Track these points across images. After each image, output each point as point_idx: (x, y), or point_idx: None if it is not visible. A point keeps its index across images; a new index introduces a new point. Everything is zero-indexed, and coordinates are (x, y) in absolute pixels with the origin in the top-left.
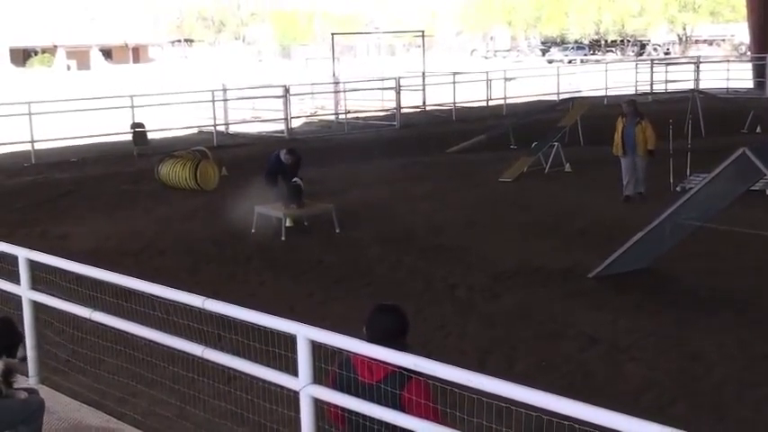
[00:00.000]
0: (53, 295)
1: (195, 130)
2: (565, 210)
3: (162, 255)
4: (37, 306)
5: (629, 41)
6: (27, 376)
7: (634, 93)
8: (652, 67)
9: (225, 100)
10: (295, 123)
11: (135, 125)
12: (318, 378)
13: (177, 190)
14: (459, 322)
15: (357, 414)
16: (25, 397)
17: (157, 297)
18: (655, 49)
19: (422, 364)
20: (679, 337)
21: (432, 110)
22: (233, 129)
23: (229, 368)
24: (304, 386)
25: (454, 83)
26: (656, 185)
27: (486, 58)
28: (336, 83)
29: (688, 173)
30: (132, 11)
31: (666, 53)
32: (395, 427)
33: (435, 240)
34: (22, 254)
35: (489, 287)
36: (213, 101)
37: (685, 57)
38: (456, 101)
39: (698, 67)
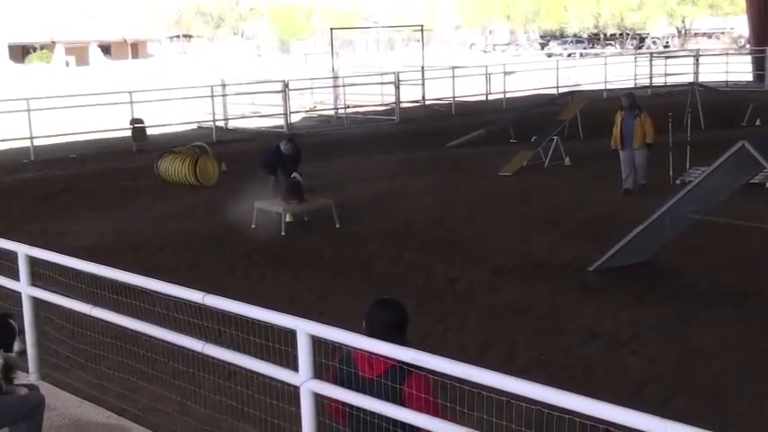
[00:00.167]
0: (53, 291)
1: (194, 126)
2: (565, 203)
3: (162, 250)
4: (37, 302)
5: (628, 35)
6: (27, 372)
7: (633, 86)
8: (651, 61)
9: (224, 95)
10: (294, 118)
11: (134, 121)
12: (319, 373)
13: (177, 186)
14: (460, 316)
15: (357, 409)
16: (25, 393)
17: (157, 293)
18: (654, 43)
19: (422, 359)
20: (679, 330)
21: (431, 104)
22: (232, 124)
23: (230, 363)
24: (304, 381)
25: (453, 77)
26: (656, 178)
27: (485, 52)
28: (335, 78)
29: (688, 166)
30: (130, 7)
31: (666, 46)
32: (395, 421)
33: (435, 235)
34: (22, 250)
35: (489, 281)
36: (212, 96)
37: (684, 50)
38: (455, 95)
39: (697, 60)
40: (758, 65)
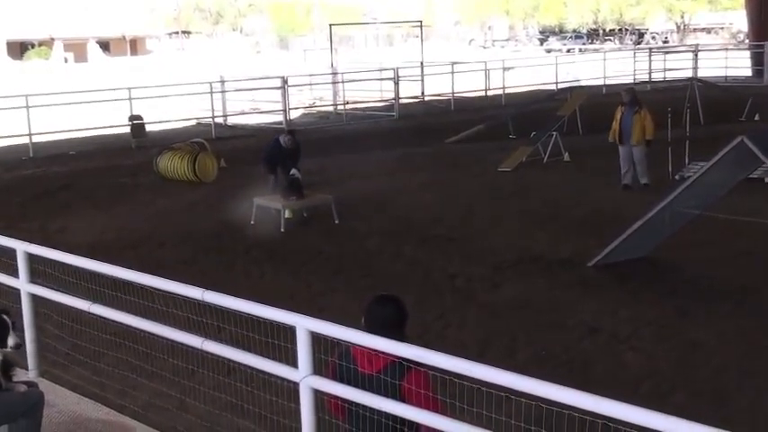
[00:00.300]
0: (52, 288)
1: (193, 122)
2: (564, 199)
3: (161, 247)
4: (36, 299)
5: (627, 30)
6: (26, 369)
7: (633, 81)
8: (650, 56)
9: (223, 92)
10: (293, 114)
11: (133, 117)
12: (318, 369)
13: (176, 182)
14: (459, 312)
15: (357, 405)
16: (25, 390)
17: (157, 289)
18: (653, 38)
19: (421, 354)
20: (678, 325)
21: (430, 100)
22: (231, 120)
23: (229, 360)
24: (304, 377)
25: (453, 73)
26: (655, 174)
27: (485, 47)
28: (335, 74)
29: (687, 161)
30: (129, 3)
31: (665, 42)
32: (394, 417)
33: (434, 230)
34: (21, 247)
35: (489, 277)
36: (211, 92)
37: (683, 45)
38: (454, 91)
39: (696, 55)
40: (757, 60)
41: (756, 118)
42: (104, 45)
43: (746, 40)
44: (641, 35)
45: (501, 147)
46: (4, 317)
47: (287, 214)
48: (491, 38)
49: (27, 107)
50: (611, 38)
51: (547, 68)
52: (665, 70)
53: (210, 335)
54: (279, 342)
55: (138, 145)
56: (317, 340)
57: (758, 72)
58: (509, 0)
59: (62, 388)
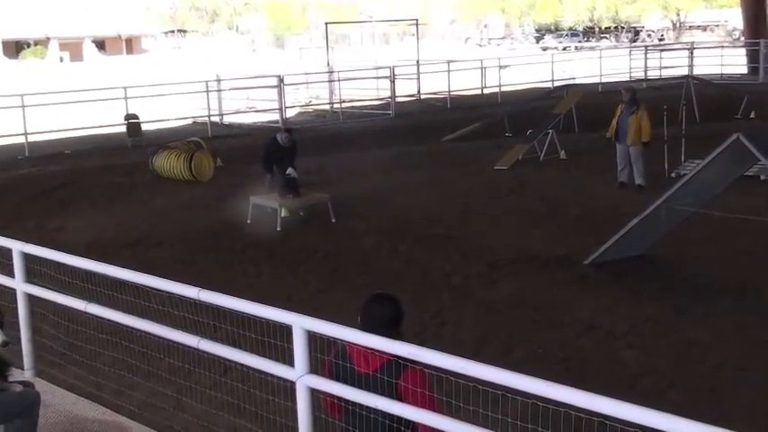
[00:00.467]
0: (48, 288)
1: (189, 121)
2: (560, 197)
3: (158, 246)
4: (32, 299)
5: (623, 28)
6: (23, 369)
7: (628, 79)
8: (646, 54)
9: (219, 90)
10: (290, 113)
11: (129, 116)
12: (315, 368)
13: (172, 181)
14: (456, 310)
15: (353, 403)
16: (21, 390)
17: (153, 288)
18: (649, 36)
19: (417, 353)
20: (675, 322)
21: (426, 98)
22: (227, 119)
23: (225, 359)
24: (300, 376)
25: (449, 71)
26: (651, 172)
27: (481, 45)
28: (331, 72)
29: (683, 159)
30: (125, 2)
31: (660, 39)
32: (391, 416)
33: (431, 229)
34: (17, 247)
35: (485, 275)
36: (207, 91)
37: (679, 43)
38: (451, 89)
39: (692, 52)
40: (752, 57)
41: (752, 115)
42: (100, 44)
43: (742, 38)
44: (637, 33)
45: (497, 145)
46: None
47: (283, 213)
48: (487, 36)
49: (23, 106)
50: (607, 36)
51: (543, 66)
52: (660, 68)
53: (207, 334)
54: (275, 341)
55: (134, 144)
56: (314, 339)
57: (754, 69)
58: None
59: (58, 388)
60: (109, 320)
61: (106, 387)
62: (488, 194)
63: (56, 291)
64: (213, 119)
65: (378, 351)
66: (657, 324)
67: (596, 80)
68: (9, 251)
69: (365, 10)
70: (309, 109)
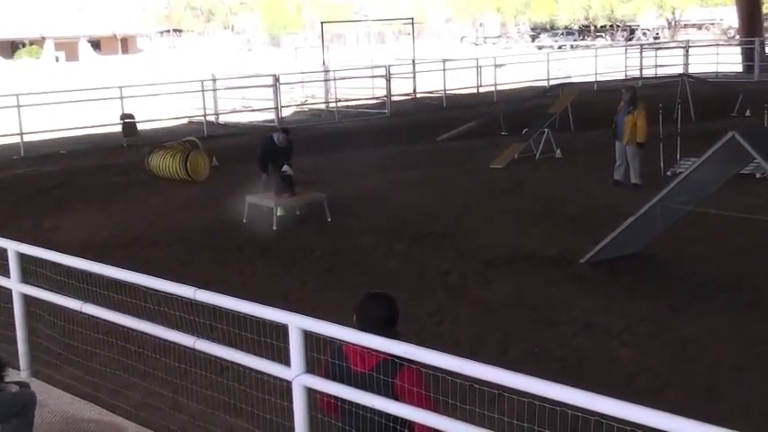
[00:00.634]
0: (44, 288)
1: (185, 121)
2: (556, 196)
3: (154, 246)
4: (28, 299)
5: (618, 27)
6: (18, 369)
7: (624, 78)
8: (641, 52)
9: (214, 90)
10: (285, 112)
11: (124, 116)
12: (311, 368)
13: (168, 181)
14: (452, 309)
15: (349, 403)
16: (17, 390)
17: (149, 288)
18: (644, 34)
19: (414, 352)
20: (672, 321)
21: (422, 97)
22: (223, 119)
23: (222, 359)
24: (296, 376)
25: (444, 70)
26: (647, 170)
27: (476, 44)
28: (326, 71)
29: (678, 157)
30: (120, 1)
31: (656, 38)
32: (387, 415)
33: (427, 228)
34: (12, 247)
35: (482, 274)
36: (203, 91)
37: (674, 41)
38: (446, 88)
39: (687, 51)
40: (747, 56)
41: (747, 114)
42: (95, 44)
43: (737, 36)
44: (632, 31)
45: (493, 144)
46: None
47: (279, 212)
48: (482, 35)
49: (18, 106)
50: (603, 34)
51: (538, 65)
52: (656, 66)
53: (203, 334)
54: (272, 340)
55: (130, 144)
56: (310, 338)
57: (749, 68)
58: None
59: (54, 388)
60: (105, 320)
61: (102, 387)
62: (484, 193)
63: (52, 291)
64: (209, 118)
65: (374, 350)
66: (654, 323)
67: (592, 79)
68: (4, 251)
69: (361, 9)
70: (305, 108)
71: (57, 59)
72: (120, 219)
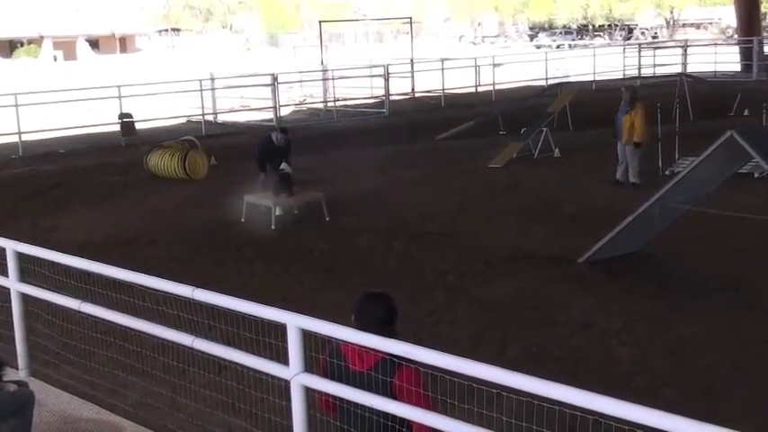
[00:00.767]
0: (42, 287)
1: (183, 120)
2: (555, 195)
3: (152, 245)
4: (26, 298)
5: (616, 26)
6: (17, 369)
7: (622, 77)
8: (640, 52)
9: (213, 89)
10: (284, 112)
11: (123, 115)
12: (309, 367)
13: (166, 180)
14: (451, 309)
15: (348, 402)
16: (15, 389)
17: (147, 287)
18: (642, 34)
19: (412, 351)
20: (670, 320)
21: (421, 97)
22: (221, 118)
23: (220, 358)
24: (295, 375)
25: (443, 69)
26: (645, 170)
27: (475, 44)
28: (325, 71)
29: (676, 157)
30: (119, 0)
31: (654, 37)
32: (386, 414)
33: (426, 227)
34: (10, 246)
35: (480, 273)
36: (201, 90)
37: (673, 40)
38: (445, 87)
39: (685, 50)
40: (746, 55)
41: (745, 113)
42: (94, 43)
43: (735, 36)
44: (630, 31)
45: (491, 143)
46: None
47: (278, 212)
48: (481, 34)
49: (16, 105)
50: (601, 34)
51: (537, 64)
52: (654, 66)
53: (201, 333)
54: (270, 340)
55: (128, 143)
56: (309, 338)
57: (747, 67)
58: None
59: (52, 387)
60: (103, 320)
61: (100, 386)
62: (483, 193)
63: (50, 290)
64: (207, 117)
65: (372, 350)
66: (652, 322)
67: (590, 78)
68: (3, 250)
69: (359, 8)
70: (303, 107)
71: (55, 59)
72: (119, 218)
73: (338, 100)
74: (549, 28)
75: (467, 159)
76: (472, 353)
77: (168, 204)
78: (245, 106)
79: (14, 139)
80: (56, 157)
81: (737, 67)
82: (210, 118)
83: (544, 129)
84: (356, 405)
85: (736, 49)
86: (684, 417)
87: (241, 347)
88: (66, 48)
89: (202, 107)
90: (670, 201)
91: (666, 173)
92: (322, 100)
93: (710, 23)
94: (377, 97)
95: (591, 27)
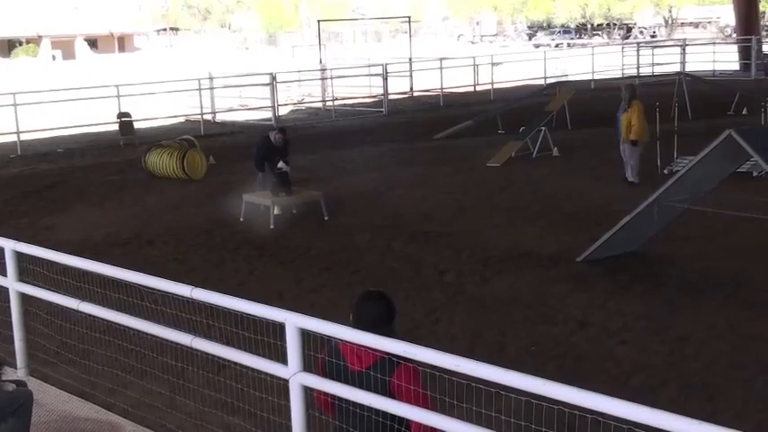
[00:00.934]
0: (41, 287)
1: (182, 119)
2: (553, 194)
3: (150, 244)
4: (24, 297)
5: (615, 25)
6: (15, 368)
7: (621, 76)
8: (638, 51)
9: (211, 88)
10: (282, 111)
11: (121, 115)
12: (308, 366)
13: (165, 179)
14: (449, 308)
15: (346, 401)
16: (13, 389)
17: (145, 287)
18: (641, 32)
19: (410, 350)
20: (668, 319)
21: (419, 96)
22: (220, 117)
23: (219, 357)
24: (293, 374)
25: (441, 68)
26: (644, 169)
27: (473, 43)
28: (323, 70)
29: (675, 155)
30: (117, 0)
31: (653, 36)
32: (384, 413)
33: (424, 226)
34: (9, 245)
35: (479, 272)
36: (200, 89)
37: (671, 39)
38: (443, 86)
39: (684, 49)
40: (744, 54)
41: (744, 112)
42: (92, 42)
43: (734, 35)
44: (629, 30)
45: (490, 142)
46: None
47: (276, 211)
48: (479, 33)
49: (15, 105)
50: (600, 33)
51: (535, 63)
52: (653, 65)
53: (200, 332)
54: (269, 339)
55: (127, 142)
56: (307, 337)
57: (745, 66)
58: None
59: (51, 386)
60: (102, 319)
61: (99, 386)
62: (481, 192)
63: (48, 289)
64: (206, 117)
65: (370, 349)
66: (650, 320)
67: (589, 77)
68: (1, 249)
69: (358, 7)
70: (302, 107)
71: (53, 58)
72: (117, 217)
73: (337, 99)
74: (548, 27)
75: (465, 158)
76: (470, 352)
77: (167, 204)
78: (243, 105)
79: (13, 138)
80: (54, 156)
81: (736, 66)
82: (209, 117)
83: (543, 128)
84: (354, 404)
85: (735, 48)
86: (682, 415)
87: (240, 347)
88: (65, 47)
89: (201, 106)
90: (668, 200)
91: (665, 172)
92: (320, 99)
93: (709, 22)
94: (375, 96)
95: (589, 26)
